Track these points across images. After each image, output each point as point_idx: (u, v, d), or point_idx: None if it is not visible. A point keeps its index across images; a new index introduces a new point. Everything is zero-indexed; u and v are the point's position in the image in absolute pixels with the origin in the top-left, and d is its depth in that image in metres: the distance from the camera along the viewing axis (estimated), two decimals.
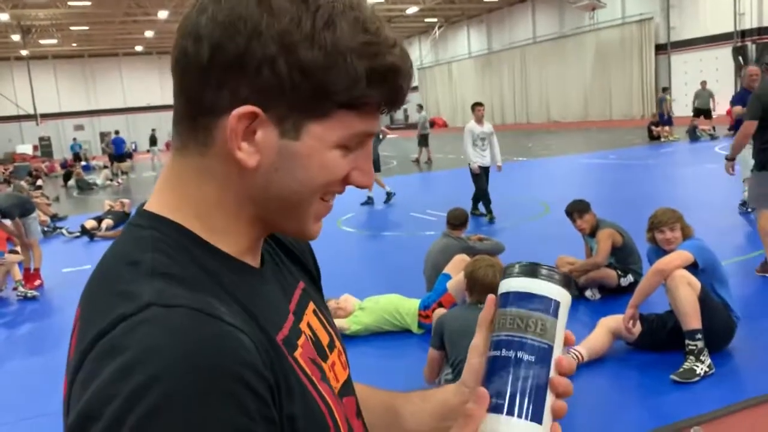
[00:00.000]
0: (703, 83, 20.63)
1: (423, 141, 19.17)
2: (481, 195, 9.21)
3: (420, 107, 21.41)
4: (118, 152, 24.24)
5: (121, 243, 0.72)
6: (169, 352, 0.56)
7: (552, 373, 0.68)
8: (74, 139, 33.94)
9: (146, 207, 0.74)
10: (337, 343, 0.85)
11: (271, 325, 0.70)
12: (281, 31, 0.63)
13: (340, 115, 0.67)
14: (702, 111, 19.54)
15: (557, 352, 0.68)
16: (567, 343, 0.72)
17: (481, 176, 9.12)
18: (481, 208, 9.27)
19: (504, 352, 0.68)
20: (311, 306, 0.83)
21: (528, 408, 0.66)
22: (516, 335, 0.68)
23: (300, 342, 0.74)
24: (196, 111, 0.68)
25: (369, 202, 11.40)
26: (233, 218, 0.72)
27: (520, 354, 0.67)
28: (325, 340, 0.81)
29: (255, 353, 0.61)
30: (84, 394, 0.57)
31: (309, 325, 0.79)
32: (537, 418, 0.66)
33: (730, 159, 5.83)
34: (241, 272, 0.73)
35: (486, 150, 9.15)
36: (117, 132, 26.92)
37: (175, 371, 0.55)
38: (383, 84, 0.67)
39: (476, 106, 9.35)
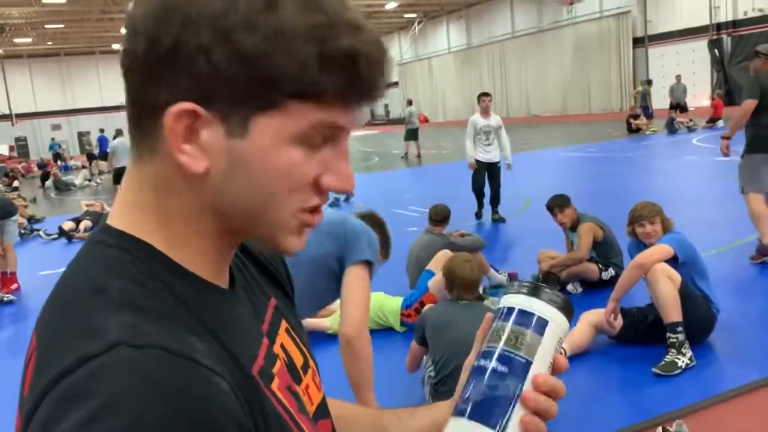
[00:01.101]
0: (678, 77, 20.83)
1: (412, 135, 18.98)
2: (475, 191, 8.77)
3: (409, 102, 21.40)
4: (102, 150, 23.95)
5: (84, 263, 0.65)
6: (140, 402, 0.50)
7: (527, 387, 0.66)
8: (53, 139, 33.48)
9: (109, 221, 0.67)
10: (311, 363, 0.81)
11: (246, 356, 0.64)
12: (214, 16, 0.57)
13: (293, 107, 0.60)
14: (678, 104, 19.76)
15: (538, 369, 0.67)
16: (557, 370, 0.69)
17: (478, 172, 8.58)
18: (500, 211, 8.67)
19: (482, 362, 0.68)
20: (284, 324, 0.78)
21: (490, 415, 0.65)
22: (495, 346, 0.68)
23: (276, 370, 0.69)
24: (140, 112, 0.62)
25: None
26: (194, 232, 0.65)
27: (495, 364, 0.67)
28: (299, 361, 0.77)
29: (233, 399, 0.55)
30: None
31: (282, 347, 0.74)
32: (499, 427, 0.65)
33: (727, 138, 5.91)
34: (213, 296, 0.66)
35: (491, 145, 8.48)
36: (102, 130, 26.26)
37: (146, 423, 0.49)
38: (340, 71, 0.59)
39: (481, 96, 8.60)
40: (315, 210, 0.66)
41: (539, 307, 0.68)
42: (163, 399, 0.51)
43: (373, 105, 0.66)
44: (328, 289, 2.89)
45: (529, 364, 0.67)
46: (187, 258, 0.65)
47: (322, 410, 0.80)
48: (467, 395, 0.68)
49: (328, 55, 0.58)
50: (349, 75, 0.60)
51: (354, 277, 2.71)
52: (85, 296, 0.59)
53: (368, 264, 2.75)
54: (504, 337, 0.68)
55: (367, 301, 2.73)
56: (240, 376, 0.60)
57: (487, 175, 8.61)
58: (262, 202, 0.63)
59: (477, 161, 8.55)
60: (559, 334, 0.69)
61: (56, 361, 0.54)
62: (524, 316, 0.68)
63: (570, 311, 0.69)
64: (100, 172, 23.07)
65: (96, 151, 25.11)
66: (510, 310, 0.69)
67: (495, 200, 8.69)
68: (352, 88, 0.61)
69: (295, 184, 0.63)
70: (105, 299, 0.58)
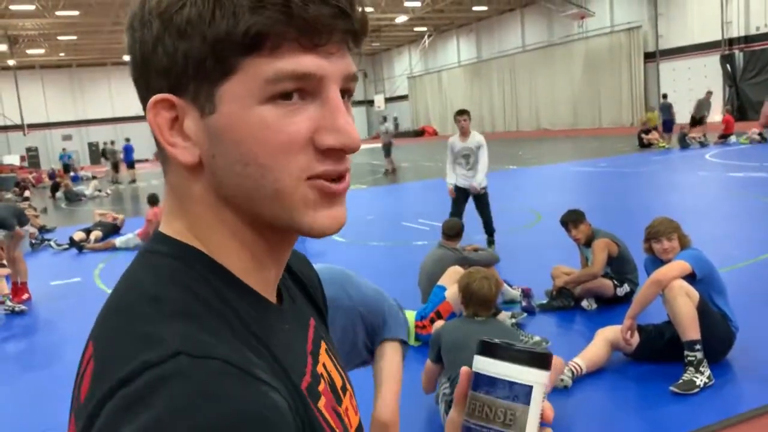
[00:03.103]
0: (709, 93, 20.56)
1: (388, 152, 19.32)
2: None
3: (384, 119, 21.65)
4: (128, 159, 24.18)
5: (138, 271, 0.64)
6: (200, 416, 0.49)
7: None
8: (63, 150, 33.62)
9: (161, 228, 0.68)
10: (348, 386, 0.79)
11: (296, 372, 0.63)
12: (156, 6, 0.59)
13: (249, 65, 0.57)
14: (700, 118, 19.63)
15: None
16: (544, 420, 0.66)
17: (456, 199, 7.57)
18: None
19: None
20: (323, 345, 0.77)
21: None
22: (483, 425, 0.64)
23: (321, 389, 0.68)
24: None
25: None
26: (226, 234, 0.64)
27: None
28: (338, 383, 0.75)
29: (290, 417, 0.54)
30: None
31: (325, 366, 0.73)
32: None
33: None
34: (265, 310, 0.65)
35: (473, 169, 7.40)
36: (128, 139, 25.94)
37: None
38: (272, 7, 0.56)
39: (456, 116, 7.48)
40: (334, 178, 0.62)
41: (521, 373, 0.64)
42: (223, 417, 0.49)
43: (341, 41, 0.60)
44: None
45: None
46: (233, 264, 0.65)
47: None
48: None
49: None
50: (281, 9, 0.56)
51: (395, 352, 2.69)
52: (142, 305, 0.59)
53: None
54: (492, 414, 0.64)
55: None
56: (293, 392, 0.60)
57: (474, 204, 7.58)
58: (256, 173, 0.59)
59: (456, 187, 7.58)
60: (543, 391, 0.65)
61: (115, 369, 0.53)
62: (508, 387, 0.64)
63: (548, 361, 0.65)
64: (134, 181, 23.43)
65: (120, 159, 25.40)
66: (491, 380, 0.64)
67: (487, 227, 7.68)
68: (292, 25, 0.57)
69: (281, 146, 0.59)
70: (161, 308, 0.58)
